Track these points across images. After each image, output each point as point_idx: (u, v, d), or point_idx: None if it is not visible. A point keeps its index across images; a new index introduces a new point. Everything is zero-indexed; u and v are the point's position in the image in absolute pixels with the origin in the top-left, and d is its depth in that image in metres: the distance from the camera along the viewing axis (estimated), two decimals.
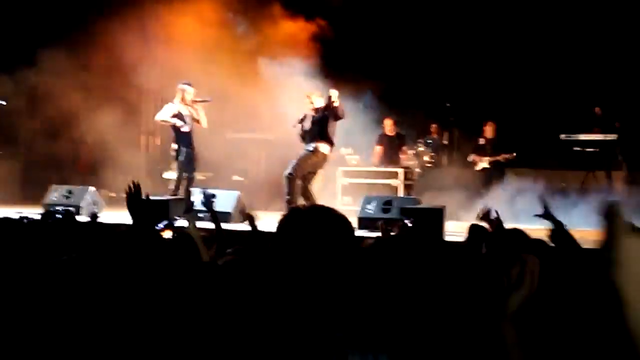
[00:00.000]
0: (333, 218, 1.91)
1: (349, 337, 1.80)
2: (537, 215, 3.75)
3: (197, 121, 8.95)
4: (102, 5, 11.61)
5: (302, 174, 8.22)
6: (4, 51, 11.08)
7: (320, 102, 8.38)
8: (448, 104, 11.28)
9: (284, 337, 1.76)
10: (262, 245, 3.46)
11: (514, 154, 10.00)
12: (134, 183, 2.67)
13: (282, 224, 1.91)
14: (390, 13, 11.57)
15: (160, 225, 4.66)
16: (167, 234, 4.74)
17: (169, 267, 2.35)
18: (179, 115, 8.88)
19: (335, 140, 8.44)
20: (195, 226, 3.89)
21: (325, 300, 1.79)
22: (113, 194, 11.34)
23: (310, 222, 1.87)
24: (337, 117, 8.24)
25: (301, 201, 8.13)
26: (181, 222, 5.54)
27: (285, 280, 1.82)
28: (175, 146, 9.03)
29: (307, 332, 1.76)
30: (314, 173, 8.40)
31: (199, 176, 9.61)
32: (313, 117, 8.40)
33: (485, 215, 3.98)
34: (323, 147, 8.29)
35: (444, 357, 2.30)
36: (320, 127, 8.26)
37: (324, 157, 8.36)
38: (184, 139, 8.92)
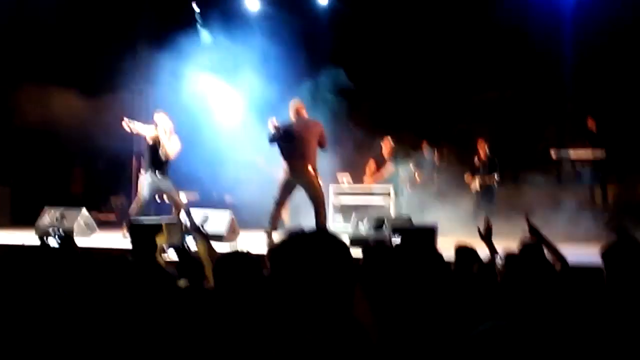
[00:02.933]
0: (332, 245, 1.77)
1: None
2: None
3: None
4: None
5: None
6: None
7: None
8: (439, 126, 11.33)
9: None
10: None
11: (495, 177, 10.10)
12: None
13: (278, 251, 1.78)
14: (378, 32, 11.68)
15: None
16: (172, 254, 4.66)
17: (167, 294, 2.30)
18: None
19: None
20: (205, 247, 3.81)
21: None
22: (106, 216, 11.31)
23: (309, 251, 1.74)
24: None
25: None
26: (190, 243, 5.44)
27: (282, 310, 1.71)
28: None
29: None
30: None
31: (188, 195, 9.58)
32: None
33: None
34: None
35: None
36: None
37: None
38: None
